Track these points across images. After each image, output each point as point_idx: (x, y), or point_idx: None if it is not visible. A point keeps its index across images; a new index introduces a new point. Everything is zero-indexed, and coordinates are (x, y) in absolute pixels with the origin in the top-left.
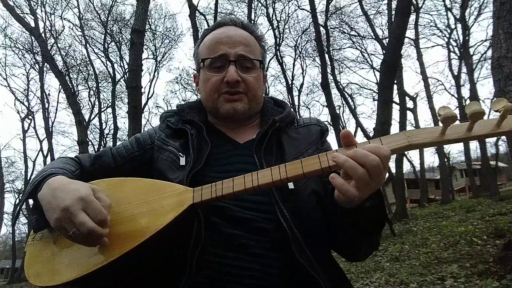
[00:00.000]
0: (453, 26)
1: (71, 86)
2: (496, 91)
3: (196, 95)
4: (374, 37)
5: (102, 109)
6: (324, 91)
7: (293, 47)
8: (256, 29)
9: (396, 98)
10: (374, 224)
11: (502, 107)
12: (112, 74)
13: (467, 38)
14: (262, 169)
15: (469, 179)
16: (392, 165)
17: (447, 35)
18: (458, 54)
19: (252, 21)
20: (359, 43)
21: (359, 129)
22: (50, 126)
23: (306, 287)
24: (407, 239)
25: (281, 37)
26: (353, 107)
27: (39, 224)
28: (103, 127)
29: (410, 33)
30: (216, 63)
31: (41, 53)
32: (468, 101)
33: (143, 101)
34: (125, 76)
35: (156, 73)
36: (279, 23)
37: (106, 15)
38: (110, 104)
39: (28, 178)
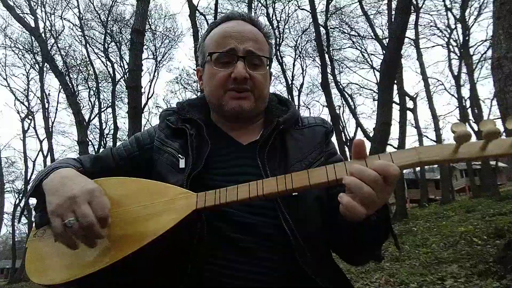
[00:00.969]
0: (453, 26)
1: (71, 86)
2: (496, 91)
3: (196, 94)
4: (374, 37)
5: (102, 109)
6: (324, 91)
7: (293, 47)
8: (264, 26)
9: (396, 98)
10: (378, 237)
11: None
12: (112, 74)
13: (467, 38)
14: (265, 172)
15: (469, 179)
16: None
17: (447, 35)
18: (458, 54)
19: None
20: (359, 43)
21: (359, 129)
22: (50, 126)
23: None
24: (407, 239)
25: (281, 37)
26: (353, 107)
27: (42, 221)
28: (103, 127)
29: (410, 33)
30: (223, 58)
31: (41, 53)
32: (468, 102)
33: (143, 101)
34: (125, 76)
35: (156, 73)
36: (279, 23)
37: (106, 15)
38: (110, 104)
39: (28, 178)
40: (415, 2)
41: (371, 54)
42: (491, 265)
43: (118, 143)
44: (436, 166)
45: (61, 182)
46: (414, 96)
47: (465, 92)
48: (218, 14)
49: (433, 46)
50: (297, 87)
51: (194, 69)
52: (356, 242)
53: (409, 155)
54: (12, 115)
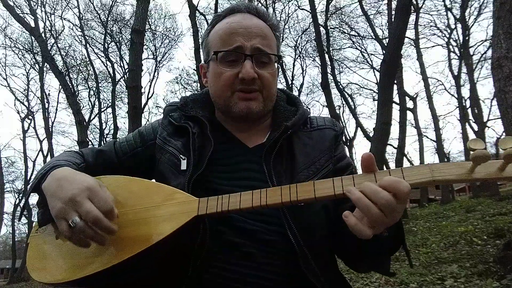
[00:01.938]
0: (453, 26)
1: (71, 86)
2: (496, 91)
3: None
4: (374, 37)
5: (102, 109)
6: (324, 91)
7: (293, 47)
8: (271, 17)
9: (396, 98)
10: (385, 250)
11: None
12: (112, 74)
13: (467, 38)
14: (270, 179)
15: None
16: (392, 165)
17: (447, 35)
18: (458, 54)
19: None
20: (359, 43)
21: (359, 129)
22: (50, 126)
23: None
24: (407, 239)
25: (281, 37)
26: (353, 107)
27: (45, 218)
28: (103, 127)
29: (410, 33)
30: (230, 56)
31: (41, 53)
32: (468, 102)
33: (143, 101)
34: (125, 76)
35: (156, 73)
36: (279, 23)
37: (106, 15)
38: (110, 104)
39: (28, 178)
40: (415, 2)
41: (371, 54)
42: (491, 265)
43: (121, 138)
44: None
45: (58, 184)
46: (414, 96)
47: (465, 92)
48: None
49: (433, 46)
50: (297, 87)
51: (194, 69)
52: (361, 252)
53: (422, 173)
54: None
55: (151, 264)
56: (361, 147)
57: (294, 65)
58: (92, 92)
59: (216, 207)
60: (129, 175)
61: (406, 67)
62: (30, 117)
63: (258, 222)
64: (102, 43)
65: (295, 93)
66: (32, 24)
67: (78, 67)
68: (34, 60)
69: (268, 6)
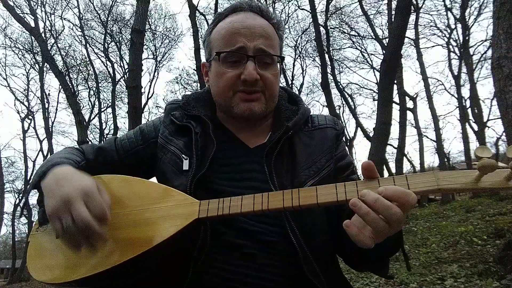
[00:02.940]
0: (453, 26)
1: (71, 86)
2: (496, 91)
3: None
4: (374, 37)
5: (102, 109)
6: (324, 91)
7: (293, 47)
8: (275, 16)
9: (396, 98)
10: (384, 254)
11: None
12: (112, 74)
13: (467, 38)
14: (271, 179)
15: None
16: (392, 165)
17: (447, 35)
18: (458, 54)
19: None
20: (359, 43)
21: (359, 129)
22: (50, 126)
23: None
24: (407, 239)
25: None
26: (353, 107)
27: (45, 217)
28: (103, 127)
29: (410, 33)
30: (232, 57)
31: (41, 53)
32: (468, 102)
33: (143, 101)
34: (125, 76)
35: (156, 73)
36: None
37: (106, 15)
38: (110, 104)
39: (28, 178)
40: (415, 2)
41: (371, 54)
42: (491, 265)
43: (122, 135)
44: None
45: (55, 183)
46: (414, 96)
47: (465, 92)
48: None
49: (433, 46)
50: (297, 87)
51: (194, 69)
52: (361, 256)
53: (428, 181)
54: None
55: (152, 266)
56: (361, 147)
57: (294, 65)
58: (92, 92)
59: (217, 210)
60: (130, 173)
61: (406, 67)
62: (30, 117)
63: (260, 223)
64: (102, 43)
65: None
66: (32, 24)
67: (78, 67)
68: (34, 60)
69: (268, 6)
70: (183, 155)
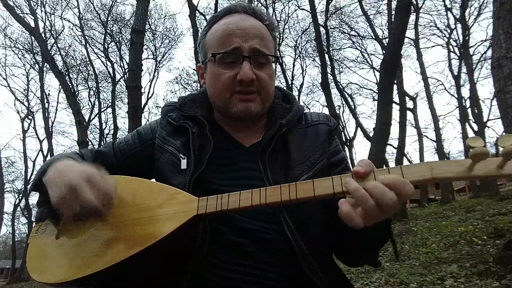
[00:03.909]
0: (453, 26)
1: (71, 86)
2: (496, 91)
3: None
4: (374, 37)
5: (102, 109)
6: (324, 91)
7: (293, 47)
8: (269, 17)
9: (396, 98)
10: (376, 241)
11: None
12: (112, 74)
13: (467, 38)
14: (266, 176)
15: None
16: (392, 165)
17: (447, 35)
18: (458, 54)
19: None
20: (359, 43)
21: (359, 129)
22: (50, 126)
23: None
24: (407, 239)
25: (281, 37)
26: (353, 107)
27: (43, 215)
28: (103, 127)
29: (410, 33)
30: (228, 58)
31: (41, 53)
32: (468, 102)
33: (143, 101)
34: (125, 76)
35: (156, 73)
36: (279, 23)
37: (106, 15)
38: (110, 104)
39: (28, 178)
40: (415, 2)
41: (371, 54)
42: (491, 265)
43: (120, 138)
44: None
45: (58, 174)
46: (414, 96)
47: (465, 92)
48: None
49: (433, 46)
50: (297, 87)
51: (194, 69)
52: (354, 244)
53: (422, 171)
54: (12, 115)
55: (151, 264)
56: (361, 147)
57: (294, 65)
58: (92, 92)
59: (216, 206)
60: (128, 175)
61: (406, 67)
62: (30, 117)
63: (257, 221)
64: (102, 43)
65: (295, 93)
66: (32, 24)
67: (78, 67)
68: (34, 60)
69: (268, 6)
70: (180, 155)
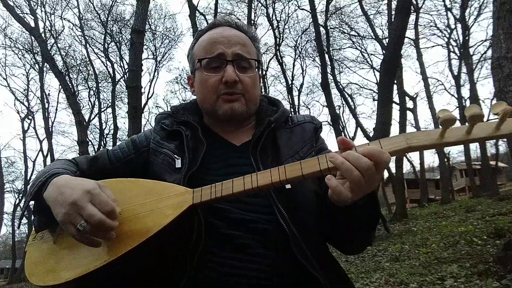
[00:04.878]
0: (453, 26)
1: (71, 86)
2: (496, 91)
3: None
4: (374, 37)
5: (102, 109)
6: (324, 91)
7: (293, 47)
8: (251, 30)
9: (396, 98)
10: (366, 221)
11: (501, 110)
12: (112, 74)
13: (467, 38)
14: (258, 170)
15: (469, 179)
16: (392, 165)
17: (447, 35)
18: (458, 54)
19: (252, 21)
20: (359, 43)
21: (359, 129)
22: (50, 126)
23: (306, 286)
24: (407, 239)
25: (281, 37)
26: (353, 107)
27: (41, 224)
28: (103, 127)
29: (410, 33)
30: (213, 63)
31: (41, 53)
32: (468, 102)
33: (143, 101)
34: (125, 76)
35: (156, 73)
36: (279, 23)
37: (106, 15)
38: (110, 104)
39: (28, 178)
40: (415, 2)
41: (371, 54)
42: (491, 265)
43: (115, 146)
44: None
45: (58, 192)
46: (414, 96)
47: (465, 92)
48: (218, 14)
49: (433, 46)
50: (297, 87)
51: None
52: (345, 227)
53: (398, 141)
54: (12, 115)
55: (148, 259)
56: None
57: (294, 65)
58: (92, 92)
59: (210, 195)
60: None
61: (406, 67)
62: (30, 117)
63: (250, 212)
64: (102, 43)
65: (295, 93)
66: (32, 24)
67: (78, 67)
68: (34, 60)
69: (268, 6)
70: (175, 156)
